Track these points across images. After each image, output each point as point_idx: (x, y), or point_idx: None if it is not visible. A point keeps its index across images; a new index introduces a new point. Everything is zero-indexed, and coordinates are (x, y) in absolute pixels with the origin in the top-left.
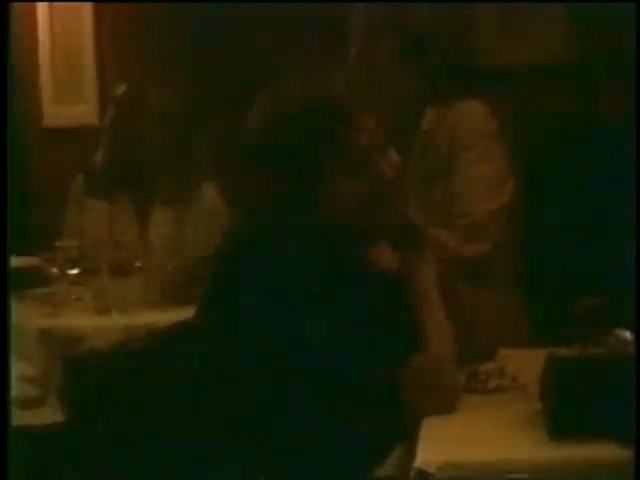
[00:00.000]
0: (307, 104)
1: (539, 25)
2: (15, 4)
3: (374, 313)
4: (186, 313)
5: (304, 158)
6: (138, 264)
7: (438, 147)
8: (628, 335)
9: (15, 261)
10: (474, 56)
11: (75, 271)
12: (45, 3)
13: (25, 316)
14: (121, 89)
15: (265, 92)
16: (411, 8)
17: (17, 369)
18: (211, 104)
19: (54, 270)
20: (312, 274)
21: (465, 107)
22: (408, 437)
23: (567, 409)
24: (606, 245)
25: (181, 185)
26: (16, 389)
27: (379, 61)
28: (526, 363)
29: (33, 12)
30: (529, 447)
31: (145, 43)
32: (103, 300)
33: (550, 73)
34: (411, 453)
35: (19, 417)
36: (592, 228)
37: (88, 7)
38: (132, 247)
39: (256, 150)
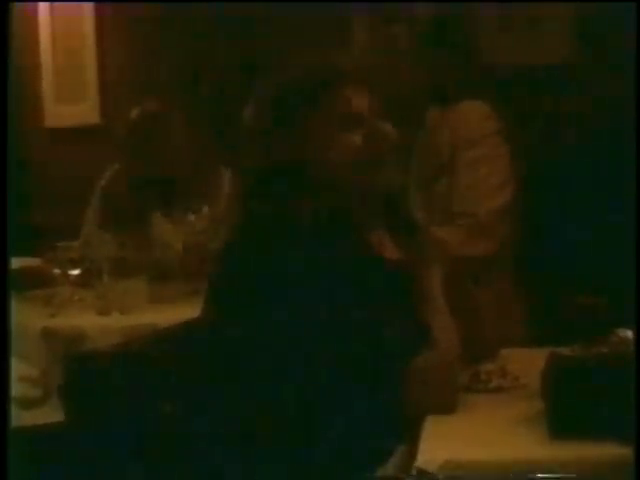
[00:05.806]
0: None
1: (539, 25)
2: (16, 4)
3: (378, 312)
4: (188, 313)
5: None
6: (140, 264)
7: (440, 146)
8: (629, 334)
9: (17, 262)
10: (475, 55)
11: (76, 272)
12: (46, 3)
13: (26, 316)
14: (137, 109)
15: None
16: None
17: (18, 369)
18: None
19: (56, 271)
20: (314, 270)
21: (467, 106)
22: (410, 437)
23: (568, 408)
24: (606, 244)
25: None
26: (17, 389)
27: (396, 46)
28: (527, 363)
29: (34, 11)
30: (530, 446)
31: (146, 42)
32: (104, 301)
33: (550, 73)
34: (412, 453)
35: (20, 417)
36: (592, 227)
37: (89, 6)
38: (134, 248)
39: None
